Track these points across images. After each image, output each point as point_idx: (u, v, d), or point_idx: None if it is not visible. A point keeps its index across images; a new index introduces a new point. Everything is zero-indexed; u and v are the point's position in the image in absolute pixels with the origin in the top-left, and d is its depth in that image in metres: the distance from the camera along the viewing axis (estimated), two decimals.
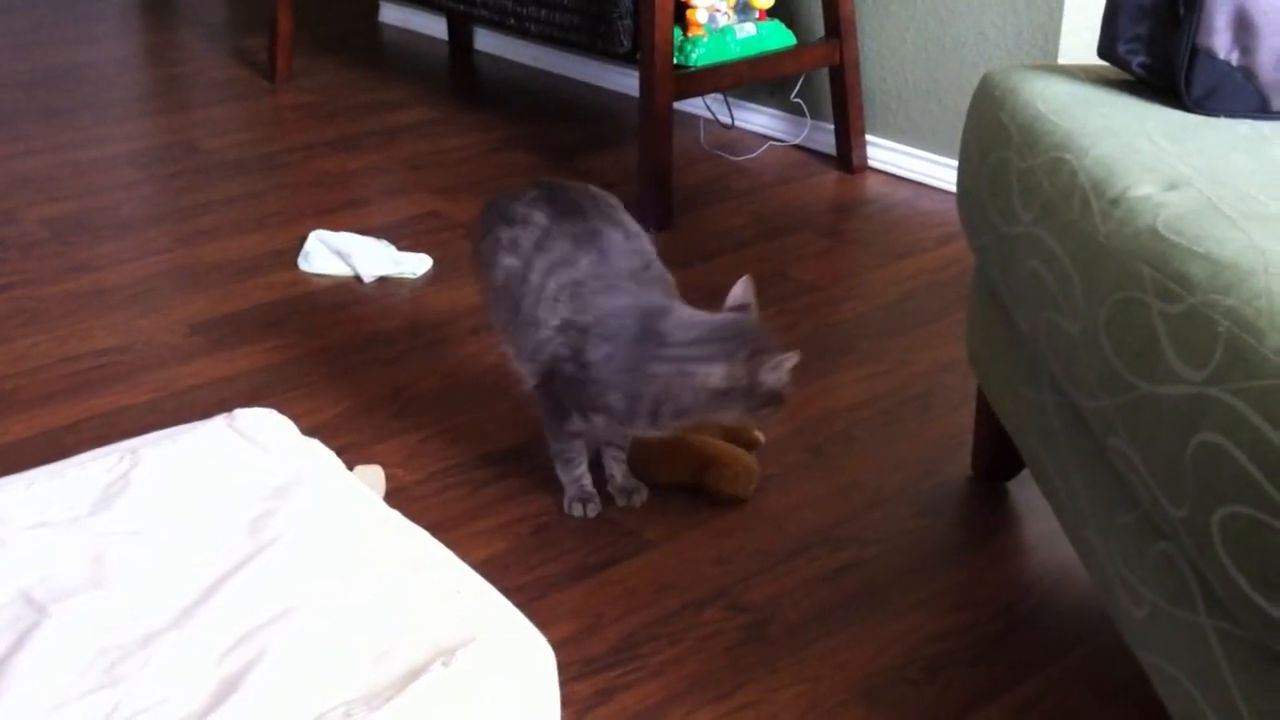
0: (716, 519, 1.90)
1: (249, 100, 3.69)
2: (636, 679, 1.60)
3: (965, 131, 1.73)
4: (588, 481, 1.91)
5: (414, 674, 1.06)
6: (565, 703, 1.21)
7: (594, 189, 1.93)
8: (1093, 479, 1.42)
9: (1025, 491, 1.95)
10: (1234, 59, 1.55)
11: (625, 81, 3.65)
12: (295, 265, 2.64)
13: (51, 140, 3.33)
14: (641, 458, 1.96)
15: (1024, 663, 1.64)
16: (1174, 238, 1.21)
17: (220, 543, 1.22)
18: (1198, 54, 1.55)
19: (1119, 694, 1.59)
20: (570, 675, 1.59)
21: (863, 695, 1.58)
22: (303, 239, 2.69)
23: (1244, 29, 1.54)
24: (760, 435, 2.03)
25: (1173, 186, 1.32)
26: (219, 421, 1.43)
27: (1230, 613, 1.11)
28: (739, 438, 1.99)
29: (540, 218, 1.84)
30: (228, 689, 1.05)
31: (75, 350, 2.32)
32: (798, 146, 3.33)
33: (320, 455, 1.39)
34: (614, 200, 1.93)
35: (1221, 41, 1.55)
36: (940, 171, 3.05)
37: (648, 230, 2.81)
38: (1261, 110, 1.56)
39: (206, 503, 1.28)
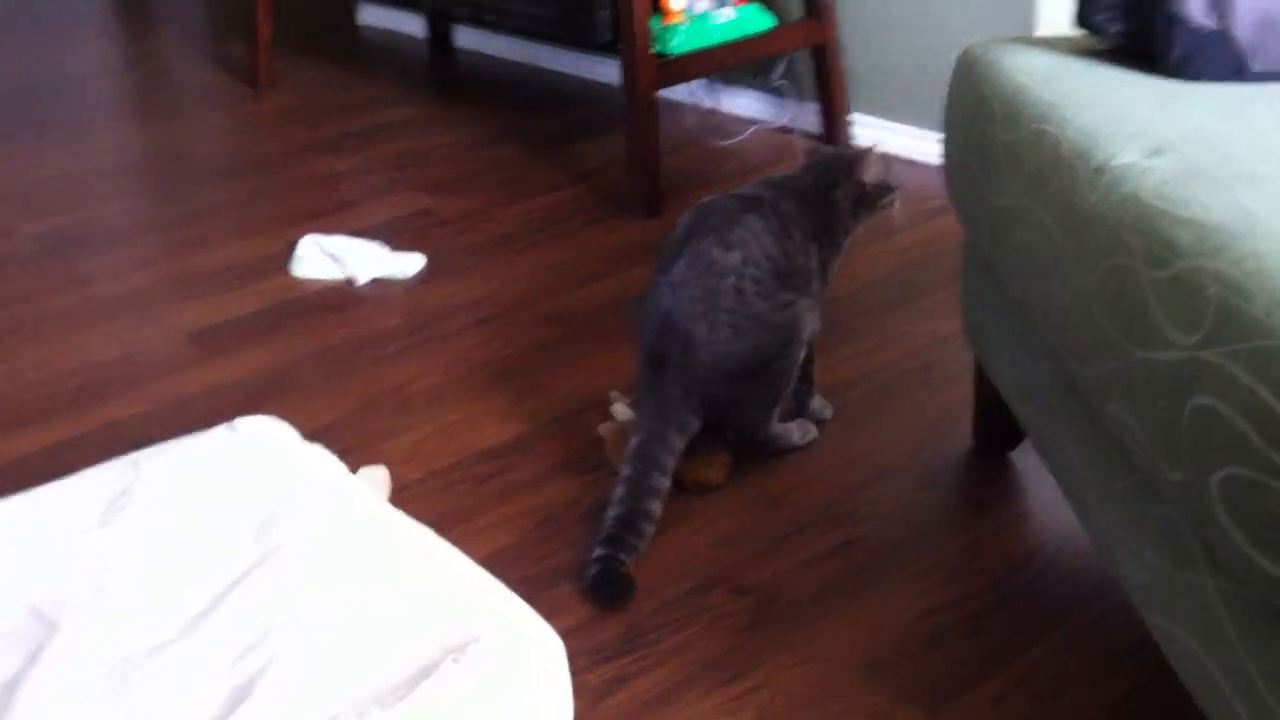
0: (715, 502, 1.91)
1: (232, 106, 3.69)
2: (646, 666, 1.61)
3: (948, 107, 1.73)
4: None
5: (425, 672, 1.07)
6: (577, 693, 1.22)
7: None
8: (1091, 446, 1.43)
9: (1027, 461, 1.96)
10: (1210, 22, 1.55)
11: (607, 70, 3.65)
12: (288, 270, 2.65)
13: (38, 154, 3.33)
14: (613, 457, 1.93)
15: (1026, 631, 1.65)
16: (1159, 203, 1.22)
17: (226, 551, 1.23)
18: (1174, 19, 1.55)
19: (1122, 658, 1.60)
20: (581, 665, 1.59)
21: (867, 671, 1.59)
22: (293, 243, 2.69)
23: None
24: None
25: (1156, 152, 1.32)
26: (220, 430, 1.43)
27: (1232, 573, 1.12)
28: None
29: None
30: (239, 696, 1.05)
31: (75, 364, 2.33)
32: (784, 128, 3.33)
33: (322, 459, 1.40)
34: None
35: (1197, 6, 1.55)
36: (927, 146, 3.05)
37: (636, 217, 2.83)
38: (1240, 73, 1.56)
39: (211, 512, 1.29)
